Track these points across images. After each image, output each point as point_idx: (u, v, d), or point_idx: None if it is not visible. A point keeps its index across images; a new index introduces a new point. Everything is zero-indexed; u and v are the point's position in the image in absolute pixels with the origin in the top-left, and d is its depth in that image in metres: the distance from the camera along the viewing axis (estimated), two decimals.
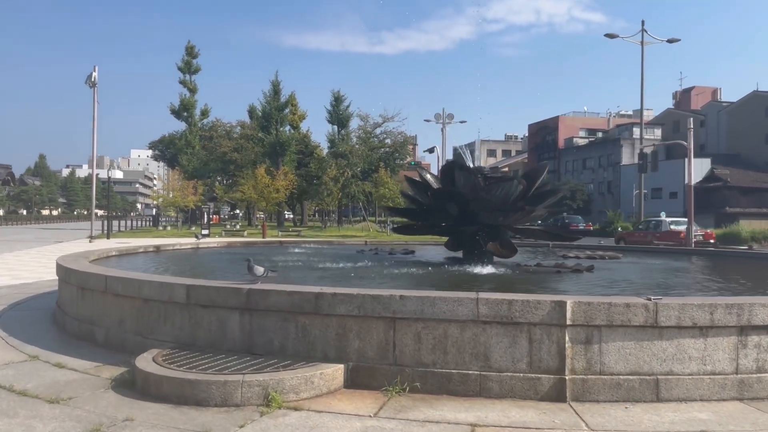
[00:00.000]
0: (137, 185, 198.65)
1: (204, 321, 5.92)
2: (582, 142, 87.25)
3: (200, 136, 68.03)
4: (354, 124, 64.60)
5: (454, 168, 10.40)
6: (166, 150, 73.86)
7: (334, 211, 69.09)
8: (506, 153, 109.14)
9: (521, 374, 5.01)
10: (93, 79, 32.21)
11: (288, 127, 63.67)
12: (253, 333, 5.67)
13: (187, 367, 5.18)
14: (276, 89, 59.00)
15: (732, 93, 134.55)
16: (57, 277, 8.73)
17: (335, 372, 5.19)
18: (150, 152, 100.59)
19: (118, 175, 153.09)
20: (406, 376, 5.15)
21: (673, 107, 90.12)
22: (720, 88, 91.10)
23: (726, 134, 74.49)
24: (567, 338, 4.96)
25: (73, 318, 7.56)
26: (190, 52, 60.65)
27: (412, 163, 66.27)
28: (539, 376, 4.99)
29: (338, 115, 63.73)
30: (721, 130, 75.97)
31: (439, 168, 10.61)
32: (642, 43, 48.42)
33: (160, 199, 56.58)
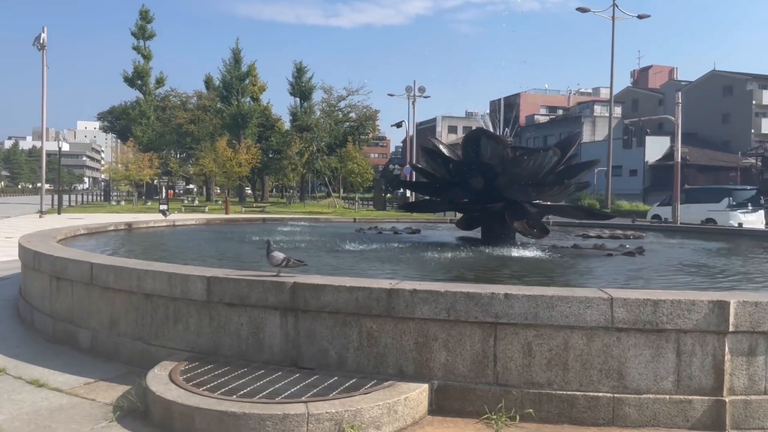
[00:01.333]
0: (84, 158, 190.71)
1: (231, 324, 4.56)
2: (543, 119, 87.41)
3: (154, 107, 64.77)
4: (317, 96, 62.57)
5: (480, 136, 9.15)
6: (116, 121, 70.22)
7: (295, 186, 67.26)
8: (467, 129, 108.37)
9: (666, 396, 3.86)
10: (42, 41, 29.48)
11: (249, 99, 61.16)
12: (299, 340, 4.36)
13: (221, 390, 3.84)
14: (237, 57, 56.35)
15: (689, 72, 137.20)
16: (15, 259, 7.17)
17: (420, 395, 3.94)
18: (98, 124, 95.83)
19: (64, 147, 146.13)
20: (512, 400, 3.94)
21: (631, 85, 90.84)
22: (677, 68, 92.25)
23: (684, 113, 75.50)
24: (726, 348, 3.83)
25: (45, 315, 6.06)
26: (144, 16, 57.14)
27: (378, 137, 64.84)
28: (690, 397, 3.85)
29: (301, 87, 61.52)
30: (680, 110, 77.05)
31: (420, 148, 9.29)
32: (613, 18, 47.92)
33: (113, 173, 53.56)
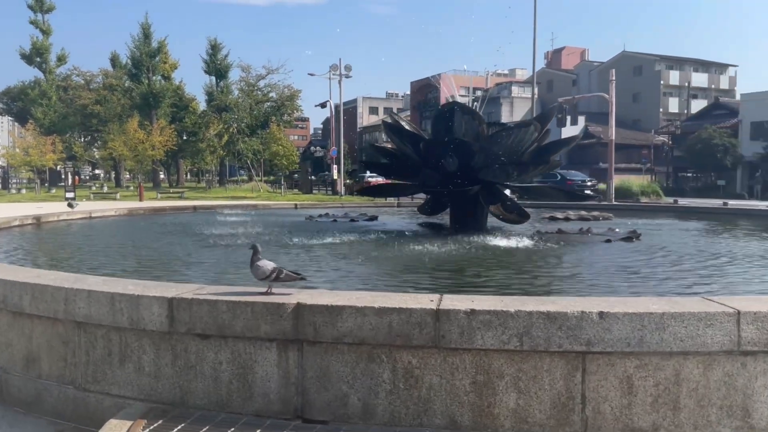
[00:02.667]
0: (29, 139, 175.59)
1: (206, 363, 3.29)
2: (463, 100, 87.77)
3: (56, 87, 59.71)
4: (235, 75, 59.67)
5: (454, 111, 8.11)
6: (13, 103, 64.39)
7: (213, 170, 64.25)
8: (388, 110, 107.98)
9: None
10: None
11: (160, 77, 57.47)
12: (306, 383, 3.16)
13: None
14: (146, 33, 52.65)
15: (600, 53, 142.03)
16: None
17: None
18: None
19: None
20: None
21: (545, 67, 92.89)
22: (588, 49, 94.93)
23: (596, 93, 77.81)
24: None
25: None
26: None
27: (302, 117, 62.91)
28: None
29: (216, 66, 58.31)
30: (593, 90, 79.27)
31: (362, 128, 8.22)
32: None
33: (11, 158, 48.88)
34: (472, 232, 8.22)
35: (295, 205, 14.23)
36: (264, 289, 3.36)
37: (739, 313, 2.91)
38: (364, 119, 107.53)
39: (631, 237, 7.37)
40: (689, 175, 54.70)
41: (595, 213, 11.39)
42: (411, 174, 9.01)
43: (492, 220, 9.02)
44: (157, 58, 54.08)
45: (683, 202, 31.05)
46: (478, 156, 8.12)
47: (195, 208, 12.76)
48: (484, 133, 8.27)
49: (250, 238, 7.49)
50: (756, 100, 47.51)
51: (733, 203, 27.49)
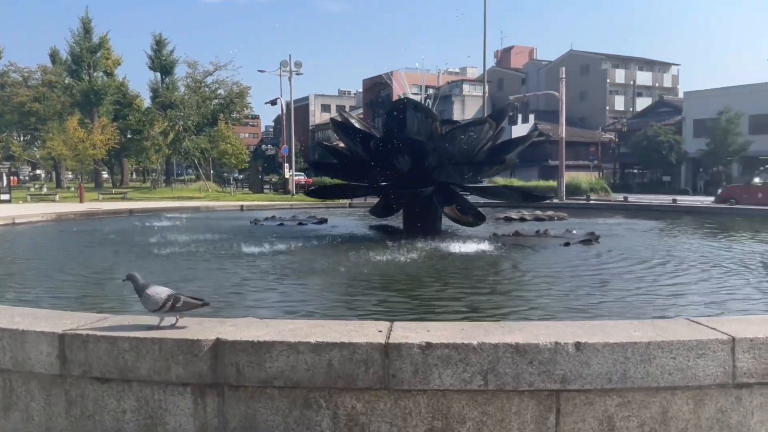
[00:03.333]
0: None
1: (107, 411, 2.71)
2: (416, 98, 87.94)
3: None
4: (181, 72, 57.89)
5: (406, 107, 7.64)
6: None
7: (158, 170, 62.31)
8: (341, 108, 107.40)
9: None
10: None
11: (102, 74, 55.25)
12: None
13: None
14: (86, 27, 50.49)
15: (548, 52, 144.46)
16: None
17: None
18: None
19: None
20: None
21: (495, 65, 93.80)
22: (536, 48, 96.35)
23: (545, 91, 78.90)
24: None
25: None
26: None
27: (251, 115, 61.65)
28: None
29: (161, 61, 56.48)
30: (541, 88, 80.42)
31: (314, 126, 7.67)
32: None
33: None
34: (427, 236, 7.78)
35: (242, 206, 13.54)
36: (172, 320, 2.80)
37: (734, 340, 2.51)
38: (317, 117, 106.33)
39: (590, 240, 7.06)
40: (635, 171, 55.97)
41: (550, 213, 11.13)
42: (361, 174, 8.52)
43: (446, 221, 8.61)
44: (98, 54, 51.96)
45: (632, 198, 31.53)
46: (432, 156, 7.68)
47: (131, 211, 11.94)
48: (438, 131, 7.83)
49: (182, 248, 6.84)
50: (698, 98, 48.86)
51: (681, 199, 28.05)
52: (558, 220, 10.36)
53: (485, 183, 9.99)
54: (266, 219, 10.47)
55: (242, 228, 9.19)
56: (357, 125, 8.85)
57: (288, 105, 45.97)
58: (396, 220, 9.32)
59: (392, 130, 8.01)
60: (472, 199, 9.85)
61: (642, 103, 65.94)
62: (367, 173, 8.34)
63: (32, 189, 50.55)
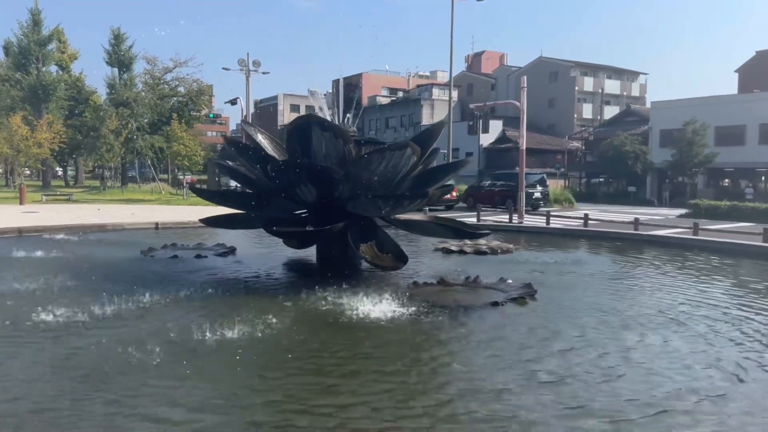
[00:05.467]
0: None
1: None
2: (385, 101, 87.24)
3: None
4: (140, 68, 55.70)
5: (310, 126, 6.29)
6: None
7: (114, 169, 59.87)
8: (310, 108, 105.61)
9: None
10: None
11: (55, 68, 52.82)
12: None
13: None
14: (36, 19, 48.03)
15: (518, 59, 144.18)
16: None
17: None
18: None
19: None
20: None
21: (466, 70, 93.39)
22: (506, 54, 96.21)
23: (514, 98, 78.43)
24: None
25: None
26: None
27: (210, 115, 59.65)
28: None
29: (119, 57, 54.22)
30: (510, 94, 79.98)
31: (283, 126, 6.22)
32: None
33: None
34: (342, 278, 6.45)
35: (157, 225, 12.00)
36: None
37: None
38: (285, 117, 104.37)
39: (524, 297, 5.78)
40: (601, 180, 55.54)
41: (496, 243, 9.91)
42: (261, 204, 7.13)
43: None
44: (50, 47, 49.53)
45: (595, 212, 30.69)
46: (344, 184, 6.34)
47: (20, 231, 10.37)
48: (351, 155, 6.49)
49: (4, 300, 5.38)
50: (665, 108, 48.53)
51: (645, 214, 27.23)
52: (502, 253, 9.12)
53: (413, 214, 8.70)
54: (164, 247, 8.99)
55: (121, 263, 7.71)
56: (264, 143, 7.47)
57: (248, 104, 44.24)
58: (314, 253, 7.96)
59: (297, 152, 6.66)
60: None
61: (610, 111, 65.77)
62: (267, 202, 6.96)
63: None
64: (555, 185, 51.53)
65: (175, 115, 48.09)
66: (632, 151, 46.41)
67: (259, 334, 4.52)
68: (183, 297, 5.69)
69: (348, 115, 7.54)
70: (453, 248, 9.05)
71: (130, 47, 54.88)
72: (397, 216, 7.46)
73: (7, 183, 57.52)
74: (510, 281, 6.36)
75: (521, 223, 20.92)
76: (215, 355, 4.17)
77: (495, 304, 5.48)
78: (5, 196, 38.62)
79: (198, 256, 8.21)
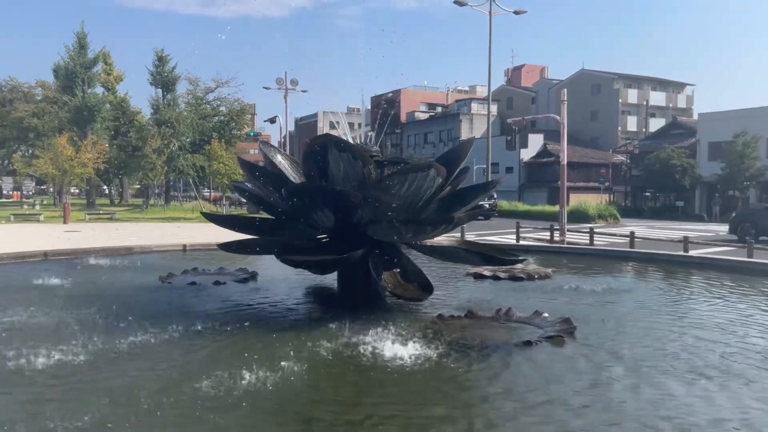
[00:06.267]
0: None
1: None
2: (423, 116, 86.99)
3: None
4: (182, 88, 56.84)
5: (327, 147, 5.87)
6: None
7: (158, 187, 61.02)
8: (349, 125, 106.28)
9: None
10: None
11: (101, 90, 54.26)
12: None
13: None
14: (82, 42, 49.49)
15: (559, 72, 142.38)
16: None
17: None
18: None
19: None
20: None
21: (505, 84, 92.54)
22: (547, 67, 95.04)
23: (555, 111, 77.11)
24: None
25: None
26: None
27: (251, 134, 60.28)
28: None
29: (163, 78, 55.48)
30: (551, 108, 78.67)
31: (301, 146, 5.78)
32: (490, 12, 46.72)
33: None
34: (364, 309, 6.00)
35: (184, 247, 11.78)
36: None
37: None
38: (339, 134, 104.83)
39: (562, 334, 5.19)
40: (648, 194, 53.81)
41: (533, 267, 9.30)
42: (279, 228, 6.74)
43: None
44: (95, 69, 50.94)
45: (641, 227, 29.50)
46: (363, 209, 5.89)
47: (46, 255, 10.26)
48: (371, 177, 6.05)
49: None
50: (713, 119, 46.83)
51: (694, 231, 25.99)
52: (539, 278, 8.51)
53: (442, 239, 8.18)
54: (184, 272, 8.69)
55: (135, 291, 7.38)
56: (284, 165, 7.09)
57: (287, 122, 44.48)
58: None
59: (314, 175, 6.26)
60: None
61: (655, 123, 63.92)
62: (281, 229, 6.56)
63: (25, 206, 49.35)
64: (599, 200, 50.14)
65: (215, 134, 48.72)
66: (679, 165, 44.82)
67: (258, 383, 4.04)
68: (184, 334, 5.27)
69: (370, 133, 7.11)
70: (486, 273, 8.49)
71: (173, 68, 56.10)
72: (424, 241, 6.96)
73: (55, 202, 59.19)
74: (546, 315, 5.78)
75: (563, 242, 20.10)
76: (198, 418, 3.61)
77: (528, 343, 4.91)
78: (52, 215, 39.57)
79: (216, 283, 7.85)
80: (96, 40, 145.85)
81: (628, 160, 56.36)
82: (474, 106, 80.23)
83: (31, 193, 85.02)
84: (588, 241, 19.96)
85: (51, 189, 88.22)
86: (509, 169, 66.61)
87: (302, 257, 6.05)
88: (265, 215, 7.23)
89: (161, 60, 55.71)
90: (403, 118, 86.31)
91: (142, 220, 36.62)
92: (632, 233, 19.05)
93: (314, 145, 6.00)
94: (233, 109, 57.10)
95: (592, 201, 44.93)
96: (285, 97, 39.29)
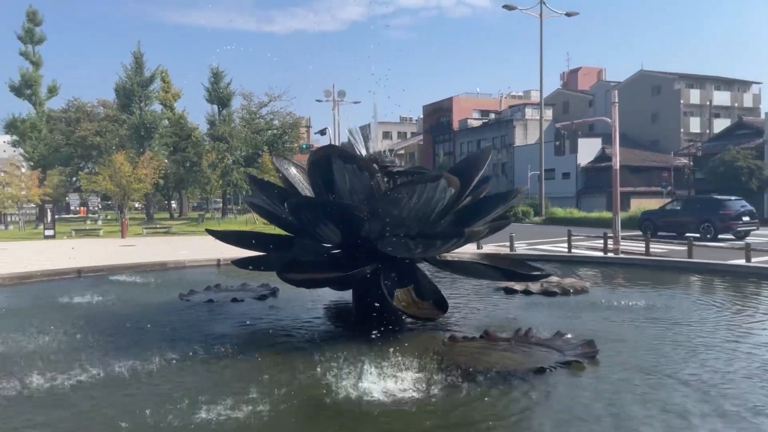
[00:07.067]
0: (1, 174, 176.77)
1: None
2: (476, 123, 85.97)
3: (63, 119, 58.80)
4: (237, 103, 58.15)
5: (331, 159, 5.56)
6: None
7: (210, 201, 62.50)
8: (402, 135, 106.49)
9: None
10: None
11: (160, 107, 56.01)
12: None
13: None
14: (139, 62, 51.26)
15: (617, 73, 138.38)
16: None
17: None
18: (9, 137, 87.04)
19: None
20: None
21: (561, 88, 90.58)
22: (605, 69, 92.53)
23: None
24: None
25: None
26: (32, 18, 51.06)
27: (303, 146, 61.03)
28: None
29: (218, 94, 56.96)
30: (609, 111, 76.39)
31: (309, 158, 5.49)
32: (541, 15, 45.81)
33: None
34: (378, 330, 5.63)
35: (218, 262, 11.72)
36: None
37: None
38: (378, 144, 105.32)
39: (581, 360, 4.67)
40: None
41: (570, 281, 8.73)
42: (286, 243, 6.47)
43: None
44: (151, 87, 52.64)
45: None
46: (372, 222, 5.55)
47: (79, 272, 10.37)
48: (378, 189, 5.70)
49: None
50: None
51: (759, 239, 24.36)
52: (575, 293, 7.93)
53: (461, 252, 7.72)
54: (207, 288, 8.56)
55: (152, 310, 7.25)
56: (298, 176, 6.84)
57: (336, 134, 44.66)
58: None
59: (320, 187, 5.96)
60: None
61: (720, 124, 61.03)
62: (292, 245, 6.29)
63: (88, 222, 51.27)
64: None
65: (266, 148, 49.47)
66: (745, 167, 42.49)
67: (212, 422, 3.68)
68: (181, 359, 5.02)
69: (389, 152, 6.76)
70: (517, 288, 7.98)
71: (228, 84, 57.48)
72: (443, 255, 6.54)
73: (118, 217, 61.39)
74: (569, 336, 5.26)
75: (617, 251, 19.16)
76: None
77: (541, 370, 4.43)
78: (111, 230, 40.93)
79: (234, 300, 7.66)
80: (155, 59, 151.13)
81: (691, 163, 53.96)
82: (528, 111, 78.75)
83: (97, 208, 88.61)
84: (644, 250, 18.94)
85: (116, 204, 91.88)
86: (566, 175, 64.87)
87: (302, 275, 5.74)
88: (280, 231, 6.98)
89: (216, 76, 57.20)
90: (455, 125, 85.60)
91: (198, 233, 37.33)
92: (690, 240, 17.95)
93: (317, 157, 5.71)
94: (285, 122, 57.98)
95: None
96: (333, 110, 39.48)
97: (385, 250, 5.79)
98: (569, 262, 12.33)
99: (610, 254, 18.74)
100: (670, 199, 36.53)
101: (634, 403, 3.86)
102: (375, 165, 5.91)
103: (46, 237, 35.24)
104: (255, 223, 44.24)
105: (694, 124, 64.29)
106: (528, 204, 48.45)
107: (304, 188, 6.73)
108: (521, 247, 22.36)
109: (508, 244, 21.41)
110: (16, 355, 5.24)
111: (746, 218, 27.18)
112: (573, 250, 20.68)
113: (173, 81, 60.26)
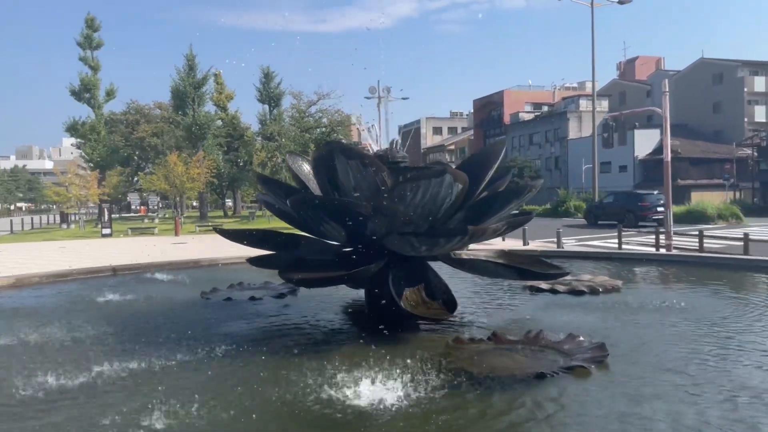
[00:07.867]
0: (71, 176, 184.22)
1: None
2: (528, 116, 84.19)
3: (123, 121, 61.04)
4: (287, 103, 58.95)
5: (334, 155, 5.42)
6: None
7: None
8: (452, 130, 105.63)
9: None
10: None
11: (213, 108, 57.35)
12: None
13: None
14: (191, 64, 52.48)
15: (676, 62, 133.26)
16: None
17: None
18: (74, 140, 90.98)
19: (47, 165, 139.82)
20: None
21: (617, 78, 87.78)
22: (663, 58, 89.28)
23: (673, 104, 71.84)
24: None
25: None
26: (91, 24, 53.06)
27: (354, 142, 61.30)
28: None
29: (269, 93, 57.92)
30: (669, 100, 73.53)
31: (425, 150, 5.33)
32: (592, 4, 44.50)
33: (55, 195, 49.30)
34: (389, 329, 5.49)
35: (247, 260, 11.77)
36: None
37: None
38: (428, 139, 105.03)
39: (588, 365, 4.38)
40: None
41: (601, 279, 8.34)
42: (297, 242, 6.38)
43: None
44: (203, 89, 53.85)
45: (766, 229, 26.50)
46: (377, 220, 5.39)
47: (114, 270, 10.60)
48: (384, 185, 5.54)
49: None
50: None
51: None
52: (605, 292, 7.54)
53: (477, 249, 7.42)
54: (230, 286, 8.59)
55: (172, 308, 7.31)
56: (308, 171, 6.74)
57: (382, 129, 44.59)
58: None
59: (325, 184, 5.85)
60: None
61: None
62: (300, 243, 6.19)
63: (145, 220, 52.93)
64: (723, 198, 46.04)
65: (312, 146, 49.90)
66: None
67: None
68: (182, 362, 4.99)
69: (396, 138, 6.59)
70: (543, 286, 7.66)
71: (279, 84, 58.32)
72: (456, 253, 6.32)
73: (180, 212, 63.26)
74: (581, 338, 4.96)
75: (669, 247, 18.35)
76: None
77: (541, 376, 4.17)
78: (166, 228, 42.11)
79: (252, 299, 7.65)
80: (210, 61, 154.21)
81: (755, 154, 51.35)
82: (582, 102, 76.62)
83: (156, 207, 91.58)
84: (698, 246, 18.06)
85: (175, 203, 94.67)
86: (623, 168, 62.88)
87: (302, 274, 5.63)
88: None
89: (267, 76, 58.10)
90: (506, 119, 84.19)
91: (249, 227, 37.91)
92: (746, 236, 16.99)
93: (320, 153, 5.59)
94: (333, 120, 58.34)
95: (715, 199, 41.30)
96: (378, 106, 39.43)
97: (390, 248, 5.62)
98: (614, 259, 11.82)
99: (662, 250, 17.98)
100: (605, 194, 39.20)
101: (629, 415, 3.57)
102: (382, 161, 5.74)
103: (104, 236, 36.52)
104: None
105: (760, 113, 61.26)
106: (582, 198, 47.19)
107: (316, 186, 6.62)
108: (569, 244, 21.73)
109: (555, 240, 20.85)
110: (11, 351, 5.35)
111: (660, 209, 29.13)
112: (624, 246, 19.94)
113: (228, 82, 61.65)
